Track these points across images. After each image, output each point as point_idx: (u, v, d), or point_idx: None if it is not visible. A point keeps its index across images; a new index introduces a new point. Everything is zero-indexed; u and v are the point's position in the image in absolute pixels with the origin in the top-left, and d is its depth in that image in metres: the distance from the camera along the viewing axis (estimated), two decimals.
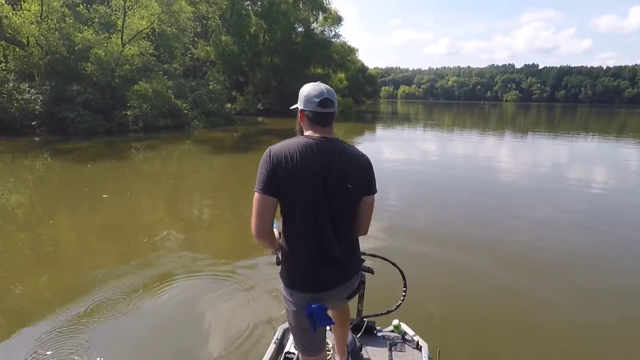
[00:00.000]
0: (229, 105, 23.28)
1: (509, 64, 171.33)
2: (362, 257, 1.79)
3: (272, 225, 1.54)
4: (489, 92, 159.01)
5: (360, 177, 1.55)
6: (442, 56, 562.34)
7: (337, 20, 34.65)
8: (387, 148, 14.88)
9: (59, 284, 3.89)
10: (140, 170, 9.95)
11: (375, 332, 2.35)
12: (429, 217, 6.39)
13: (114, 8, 17.68)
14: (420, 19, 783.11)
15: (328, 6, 33.26)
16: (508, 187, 8.62)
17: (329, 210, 1.50)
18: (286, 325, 2.26)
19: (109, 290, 3.65)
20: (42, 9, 15.22)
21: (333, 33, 35.08)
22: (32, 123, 14.48)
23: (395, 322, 2.39)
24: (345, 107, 35.35)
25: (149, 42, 18.20)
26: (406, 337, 2.31)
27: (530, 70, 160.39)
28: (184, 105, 18.48)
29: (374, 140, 17.71)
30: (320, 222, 1.49)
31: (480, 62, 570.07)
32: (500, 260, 4.56)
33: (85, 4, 17.31)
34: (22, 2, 15.18)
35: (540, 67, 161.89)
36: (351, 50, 51.44)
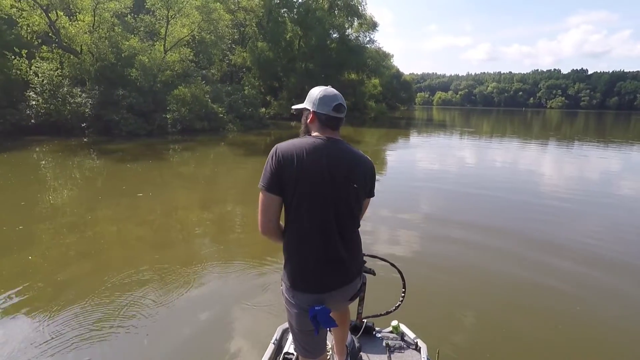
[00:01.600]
0: (263, 109, 23.79)
1: (555, 69, 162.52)
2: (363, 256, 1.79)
3: (277, 221, 1.55)
4: (531, 98, 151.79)
5: (365, 178, 1.58)
6: (482, 62, 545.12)
7: (372, 26, 34.60)
8: (420, 155, 14.57)
9: (97, 273, 4.10)
10: (176, 171, 10.35)
11: (374, 333, 2.35)
12: (440, 218, 6.14)
13: (158, 17, 18.66)
14: (458, 24, 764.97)
15: (363, 12, 33.30)
16: (544, 196, 8.13)
17: (335, 210, 1.51)
18: (285, 325, 2.27)
19: (131, 285, 3.79)
20: (94, 19, 16.37)
21: (368, 39, 35.07)
22: (82, 125, 15.52)
23: (394, 323, 2.39)
24: (378, 113, 35.08)
25: (189, 49, 19.02)
26: (405, 338, 2.31)
27: (579, 75, 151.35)
28: (220, 109, 19.09)
29: (407, 147, 17.39)
30: (326, 221, 1.50)
31: (522, 67, 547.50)
32: (503, 261, 4.54)
33: (132, 14, 18.39)
34: (77, 14, 16.37)
35: (590, 72, 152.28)
36: (386, 56, 51.09)
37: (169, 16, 17.97)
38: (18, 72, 15.11)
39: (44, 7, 15.53)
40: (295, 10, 30.38)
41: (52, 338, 2.90)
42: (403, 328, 2.37)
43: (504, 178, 10.06)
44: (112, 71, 16.61)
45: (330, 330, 2.08)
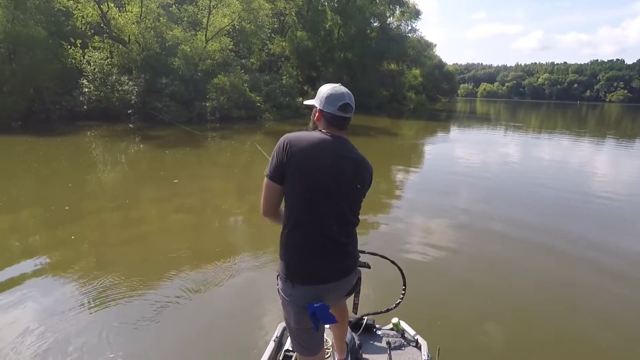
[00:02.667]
0: (300, 99, 23.83)
1: (618, 59, 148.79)
2: (361, 255, 1.81)
3: (279, 207, 1.61)
4: (588, 91, 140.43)
5: (364, 179, 1.59)
6: (533, 51, 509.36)
7: (415, 14, 33.39)
8: (460, 149, 13.95)
9: (135, 254, 4.28)
10: (212, 158, 10.62)
11: (374, 330, 2.35)
12: (472, 216, 5.79)
13: (200, 7, 19.08)
14: (508, 10, 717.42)
15: (406, 0, 32.15)
16: (593, 194, 7.46)
17: (336, 204, 1.54)
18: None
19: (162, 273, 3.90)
20: (141, 10, 17.03)
21: (409, 28, 33.94)
22: (128, 111, 16.34)
23: (395, 320, 2.39)
24: (417, 104, 34.04)
25: (229, 39, 19.34)
26: (405, 335, 2.32)
27: None
28: (258, 98, 19.32)
29: (447, 141, 16.72)
30: (327, 215, 1.52)
31: (579, 57, 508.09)
32: (503, 263, 4.41)
33: (176, 5, 18.94)
34: (126, 5, 17.12)
35: None
36: (428, 46, 49.22)
37: (211, 6, 18.32)
38: (73, 60, 16.11)
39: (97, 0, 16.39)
40: None
41: (87, 313, 3.05)
42: (403, 325, 2.37)
43: (550, 175, 9.39)
44: (156, 60, 17.27)
45: (329, 328, 2.09)
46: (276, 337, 2.21)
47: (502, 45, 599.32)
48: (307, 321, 1.54)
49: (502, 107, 61.59)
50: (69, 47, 16.02)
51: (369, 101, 30.19)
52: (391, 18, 33.14)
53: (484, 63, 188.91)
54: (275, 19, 28.89)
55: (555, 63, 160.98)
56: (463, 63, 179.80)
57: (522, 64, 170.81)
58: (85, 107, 15.88)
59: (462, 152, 12.98)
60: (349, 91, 1.59)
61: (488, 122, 28.99)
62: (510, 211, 6.30)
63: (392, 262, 2.16)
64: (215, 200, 6.64)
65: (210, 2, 18.17)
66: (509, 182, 8.52)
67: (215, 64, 18.75)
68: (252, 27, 20.37)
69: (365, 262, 1.92)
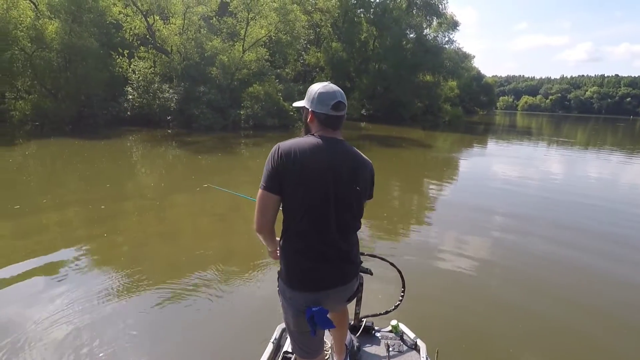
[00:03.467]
0: None
1: None
2: (362, 257, 1.77)
3: (274, 222, 1.54)
4: None
5: (365, 180, 1.55)
6: (580, 63, 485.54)
7: (453, 25, 32.81)
8: (497, 164, 13.37)
9: (164, 254, 4.38)
10: (244, 164, 10.82)
11: (373, 332, 2.34)
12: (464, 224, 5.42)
13: (239, 19, 19.78)
14: (553, 22, 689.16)
15: (443, 11, 31.71)
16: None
17: (336, 210, 1.49)
18: (284, 324, 2.26)
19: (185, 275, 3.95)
20: (184, 22, 17.90)
21: (446, 39, 33.36)
22: (168, 118, 17.10)
23: (394, 322, 2.38)
24: (453, 116, 33.17)
25: (265, 49, 19.86)
26: (404, 337, 2.31)
27: None
28: (291, 107, 19.62)
29: (484, 154, 16.06)
30: (326, 222, 1.48)
31: (632, 69, 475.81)
32: (507, 271, 4.35)
33: (217, 17, 19.74)
34: (170, 17, 18.08)
35: None
36: (466, 57, 48.18)
37: (249, 18, 18.93)
38: (120, 69, 17.16)
39: (144, 12, 17.44)
40: (371, 10, 30.04)
41: (116, 307, 3.13)
42: (402, 327, 2.36)
43: (596, 193, 8.73)
44: (195, 69, 18.02)
45: (329, 330, 2.04)
46: (275, 338, 2.21)
47: (545, 56, 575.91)
48: (305, 324, 1.52)
49: (545, 121, 58.71)
50: (117, 57, 17.09)
51: (403, 112, 29.83)
52: (428, 29, 32.74)
53: (526, 75, 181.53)
54: (311, 30, 29.41)
55: (605, 76, 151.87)
56: (503, 75, 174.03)
57: (568, 76, 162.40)
58: (128, 113, 16.80)
59: (500, 167, 12.40)
60: (339, 88, 1.55)
61: (529, 136, 27.68)
62: (550, 229, 5.88)
63: (392, 264, 2.16)
64: (244, 206, 6.71)
65: (249, 14, 18.77)
66: (550, 199, 7.98)
67: (251, 74, 19.28)
68: (288, 38, 20.81)
69: (367, 269, 1.92)
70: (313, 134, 1.52)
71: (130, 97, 16.84)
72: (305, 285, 1.53)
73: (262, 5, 18.86)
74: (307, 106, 1.54)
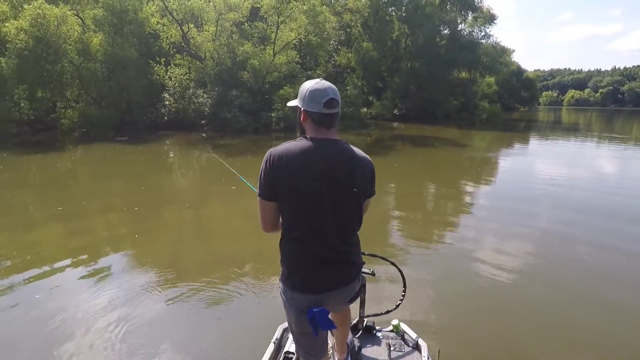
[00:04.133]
0: (364, 109, 23.67)
1: None
2: (362, 257, 1.75)
3: (278, 221, 1.56)
4: None
5: (364, 180, 1.52)
6: (635, 52, 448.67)
7: (490, 19, 31.43)
8: (540, 163, 12.58)
9: (196, 254, 4.48)
10: None
11: (374, 332, 2.35)
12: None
13: (269, 23, 20.07)
14: (602, 9, 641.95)
15: (479, 4, 30.48)
16: None
17: (333, 213, 1.47)
18: (285, 324, 2.30)
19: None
20: (217, 29, 18.42)
21: (483, 33, 31.99)
22: (202, 122, 17.65)
23: (395, 322, 2.38)
24: (491, 114, 31.73)
25: (295, 52, 20.01)
26: (405, 337, 2.31)
27: None
28: None
29: (525, 154, 15.16)
30: (323, 225, 1.47)
31: None
32: (514, 268, 4.19)
33: (248, 22, 20.15)
34: (204, 25, 18.69)
35: None
36: (504, 52, 46.01)
37: (279, 22, 19.15)
38: (157, 77, 17.93)
39: (179, 21, 18.15)
40: (403, 8, 29.44)
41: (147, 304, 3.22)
42: (404, 327, 2.36)
43: None
44: (228, 74, 18.48)
45: (331, 331, 2.04)
46: (276, 339, 2.21)
47: (594, 47, 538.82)
48: (307, 325, 1.51)
49: (595, 116, 54.77)
50: (154, 65, 17.88)
51: (437, 111, 28.95)
52: (462, 24, 31.61)
53: (572, 68, 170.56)
54: (342, 31, 29.30)
55: None
56: (546, 69, 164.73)
57: (622, 67, 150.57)
58: (165, 118, 17.54)
59: (543, 166, 11.61)
60: (332, 85, 1.49)
61: (576, 132, 25.91)
62: (602, 236, 5.38)
63: (393, 263, 2.17)
64: None
65: (279, 18, 18.99)
66: (601, 202, 7.35)
67: (281, 76, 19.49)
68: (318, 39, 20.83)
69: (371, 271, 1.93)
70: (305, 137, 1.48)
71: (167, 102, 17.56)
72: (306, 286, 1.53)
73: (292, 8, 19.01)
74: (299, 105, 1.50)
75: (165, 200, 6.93)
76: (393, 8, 29.81)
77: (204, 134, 16.69)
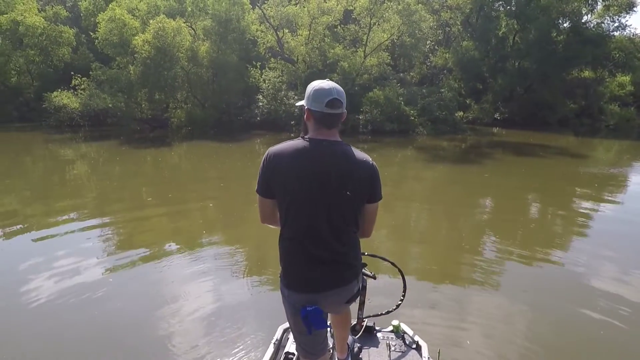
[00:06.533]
0: (460, 113, 21.99)
1: None
2: (362, 257, 1.73)
3: (276, 216, 1.58)
4: None
5: (360, 183, 1.50)
6: None
7: (627, 6, 26.38)
8: None
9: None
10: None
11: (374, 332, 2.35)
12: None
13: (362, 25, 19.86)
14: None
15: None
16: None
17: (327, 214, 1.46)
18: (286, 325, 2.29)
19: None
20: (309, 33, 18.88)
21: (616, 24, 27.00)
22: (292, 122, 18.23)
23: (395, 322, 2.39)
24: (621, 119, 26.65)
25: (387, 53, 19.47)
26: (406, 337, 2.31)
27: None
28: (412, 112, 18.71)
29: None
30: (317, 225, 1.47)
31: None
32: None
33: (341, 25, 20.23)
34: (297, 29, 19.35)
35: None
36: None
37: (371, 23, 18.81)
38: (253, 80, 19.12)
39: (275, 27, 19.10)
40: (513, 2, 26.48)
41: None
42: (404, 327, 2.37)
43: None
44: (318, 76, 18.54)
45: (332, 334, 2.07)
46: (276, 339, 2.23)
47: None
48: (301, 323, 1.53)
49: None
50: (251, 69, 19.10)
51: (548, 115, 25.29)
52: (588, 15, 27.15)
53: None
54: (440, 30, 27.67)
55: None
56: None
57: None
58: (258, 118, 18.61)
59: None
60: (337, 86, 1.51)
61: None
62: None
63: (393, 263, 2.16)
64: None
65: (371, 20, 18.65)
66: None
67: (371, 78, 19.10)
68: (412, 40, 19.90)
69: (372, 274, 1.95)
70: (304, 137, 1.51)
71: (261, 104, 18.58)
72: (301, 285, 1.55)
73: (385, 9, 18.50)
74: (304, 104, 1.53)
75: (253, 197, 7.19)
76: (501, 2, 27.05)
77: (292, 135, 17.20)
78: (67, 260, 4.29)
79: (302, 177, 1.43)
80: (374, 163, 1.54)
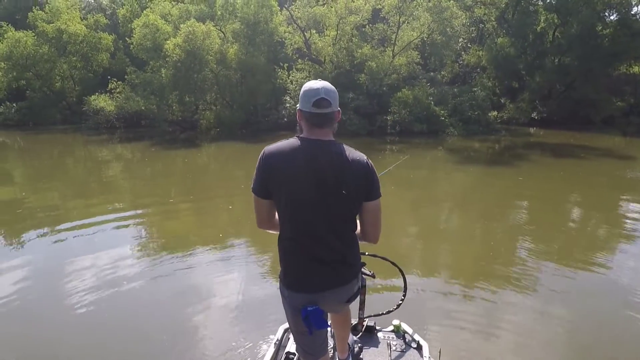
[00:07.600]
0: (494, 113, 21.07)
1: None
2: (362, 257, 1.73)
3: (272, 219, 1.58)
4: None
5: (356, 182, 1.50)
6: None
7: None
8: None
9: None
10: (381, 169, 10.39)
11: (375, 332, 2.33)
12: None
13: (390, 24, 19.47)
14: None
15: None
16: None
17: (325, 214, 1.47)
18: (287, 325, 2.26)
19: None
20: (337, 33, 18.73)
21: None
22: None
23: (396, 322, 2.37)
24: None
25: (416, 52, 18.98)
26: (406, 337, 2.30)
27: None
28: (442, 112, 18.11)
29: None
30: (314, 225, 1.48)
31: None
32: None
33: (369, 24, 19.92)
34: (325, 30, 19.25)
35: None
36: None
37: (400, 22, 18.39)
38: (280, 81, 19.21)
39: (302, 28, 19.08)
40: None
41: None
42: (404, 327, 2.35)
43: None
44: (345, 77, 18.60)
45: (332, 330, 2.06)
46: (277, 340, 2.23)
47: None
48: (302, 324, 1.54)
49: None
50: (279, 70, 19.19)
51: (592, 114, 23.68)
52: (639, 7, 25.26)
53: None
54: (473, 27, 26.68)
55: None
56: None
57: None
58: (285, 119, 18.64)
59: None
60: (328, 85, 1.51)
61: None
62: None
63: (393, 263, 2.16)
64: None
65: (400, 18, 18.23)
66: None
67: (400, 78, 18.68)
68: (443, 38, 19.27)
69: (371, 272, 1.95)
70: (298, 136, 1.52)
71: (288, 105, 18.61)
72: (301, 285, 1.56)
73: (415, 6, 18.03)
74: (298, 105, 1.54)
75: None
76: None
77: None
78: (105, 253, 4.89)
79: (299, 177, 1.43)
80: (369, 161, 1.52)
